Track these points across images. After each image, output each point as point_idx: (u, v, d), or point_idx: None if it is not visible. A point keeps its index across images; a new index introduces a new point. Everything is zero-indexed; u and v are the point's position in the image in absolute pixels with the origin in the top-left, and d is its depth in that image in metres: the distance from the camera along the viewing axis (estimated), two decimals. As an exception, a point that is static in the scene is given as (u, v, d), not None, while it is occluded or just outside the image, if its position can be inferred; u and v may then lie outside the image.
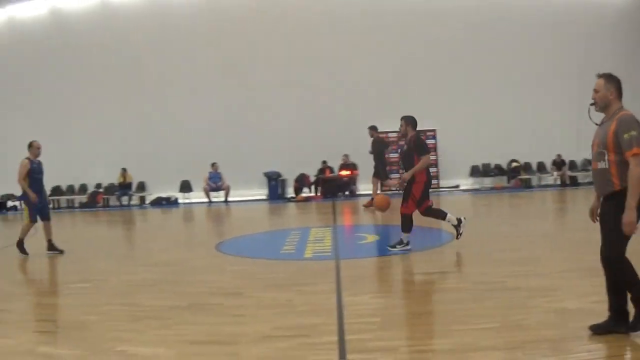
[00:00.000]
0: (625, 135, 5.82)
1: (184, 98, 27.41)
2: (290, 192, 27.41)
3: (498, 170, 27.73)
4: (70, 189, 29.24)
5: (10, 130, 27.62)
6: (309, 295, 8.60)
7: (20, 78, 28.80)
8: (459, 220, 12.09)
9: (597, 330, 6.18)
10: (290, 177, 27.34)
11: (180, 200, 27.96)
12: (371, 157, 21.23)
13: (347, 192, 26.58)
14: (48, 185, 28.21)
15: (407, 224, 11.95)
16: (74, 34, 28.29)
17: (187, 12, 27.83)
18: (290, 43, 27.07)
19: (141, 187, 28.80)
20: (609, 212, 6.05)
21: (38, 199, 14.23)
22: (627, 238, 5.94)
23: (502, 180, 27.70)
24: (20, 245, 14.14)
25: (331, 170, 26.95)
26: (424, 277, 9.45)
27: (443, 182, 27.35)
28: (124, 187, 28.05)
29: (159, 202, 27.81)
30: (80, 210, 27.73)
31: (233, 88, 27.12)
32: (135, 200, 28.68)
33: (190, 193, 28.04)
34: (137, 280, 10.64)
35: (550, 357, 5.80)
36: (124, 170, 27.83)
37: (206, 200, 26.86)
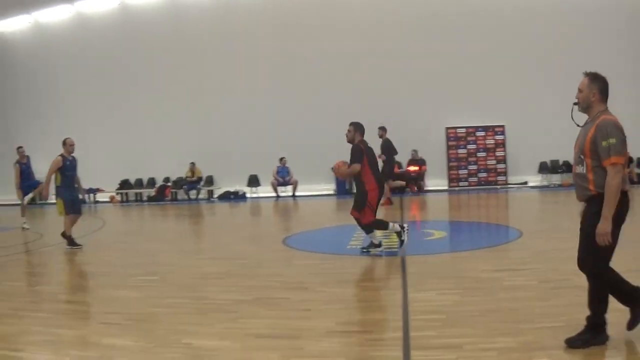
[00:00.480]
0: (604, 143, 5.57)
1: (252, 92, 27.49)
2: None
3: (566, 167, 27.20)
4: (139, 183, 29.62)
5: (81, 126, 28.10)
6: (374, 291, 8.55)
7: (90, 75, 29.31)
8: (402, 228, 11.85)
9: (574, 344, 5.86)
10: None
11: (248, 195, 28.11)
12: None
13: (415, 188, 26.40)
14: (117, 178, 28.96)
15: (374, 228, 11.80)
16: (142, 31, 28.69)
17: (251, 8, 27.91)
18: (357, 37, 26.91)
19: (209, 181, 29.02)
20: (589, 218, 5.78)
21: (71, 194, 14.64)
22: (609, 248, 5.69)
23: (571, 177, 27.10)
24: (68, 239, 14.44)
25: (399, 165, 26.78)
26: (490, 275, 9.30)
27: (511, 179, 26.95)
28: (192, 181, 28.29)
29: (226, 196, 28.01)
30: (149, 204, 28.06)
31: (301, 82, 27.12)
32: (203, 194, 28.90)
33: (258, 187, 28.16)
34: (204, 273, 10.71)
35: (616, 357, 5.68)
36: (193, 164, 28.06)
37: (274, 194, 26.94)
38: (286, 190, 27.15)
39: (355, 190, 12.25)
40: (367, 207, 11.55)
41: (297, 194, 26.91)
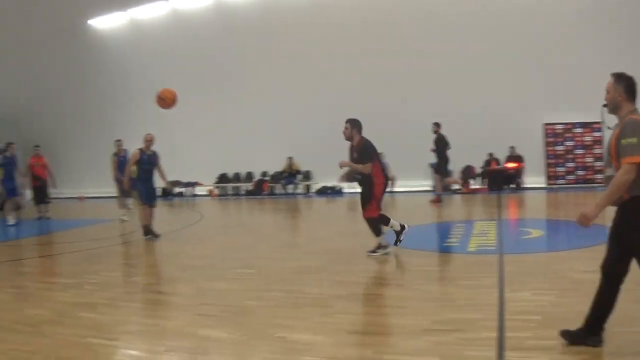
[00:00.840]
0: (623, 141, 5.37)
1: (348, 88, 27.45)
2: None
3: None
4: (237, 177, 29.97)
5: (178, 122, 28.61)
6: (470, 290, 8.44)
7: (185, 70, 29.79)
8: (402, 227, 11.74)
9: (569, 339, 5.90)
10: (455, 169, 26.96)
11: (344, 190, 28.14)
12: (430, 154, 21.32)
13: (513, 185, 26.03)
14: (215, 172, 29.33)
15: (377, 228, 11.70)
16: (237, 27, 28.97)
17: (349, 3, 27.83)
18: (462, 34, 26.61)
19: (307, 176, 29.20)
20: (621, 224, 5.64)
21: (145, 187, 15.43)
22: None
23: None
24: (145, 228, 15.21)
25: (497, 162, 26.44)
26: (587, 276, 9.06)
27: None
28: (289, 176, 28.50)
29: (324, 191, 28.12)
30: (246, 198, 28.38)
31: (398, 77, 26.92)
32: (300, 188, 29.10)
33: (355, 183, 28.04)
34: (300, 267, 10.77)
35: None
36: (290, 159, 28.28)
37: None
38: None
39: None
40: (373, 201, 11.55)
41: (394, 190, 26.76)
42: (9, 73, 34.62)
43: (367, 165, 11.60)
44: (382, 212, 11.78)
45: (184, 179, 30.26)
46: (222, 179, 30.07)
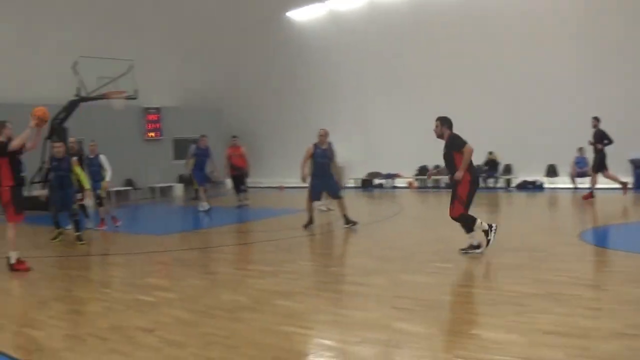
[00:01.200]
0: None
1: (550, 80, 26.82)
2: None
3: None
4: (435, 169, 29.97)
5: (378, 111, 29.03)
6: (670, 295, 8.22)
7: (383, 61, 30.06)
8: (490, 227, 11.48)
9: None
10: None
11: (545, 185, 27.62)
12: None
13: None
14: (415, 163, 29.45)
15: (468, 226, 11.60)
16: (433, 21, 28.89)
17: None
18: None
19: (507, 170, 28.85)
20: None
21: (317, 181, 16.07)
22: None
23: None
24: (344, 218, 15.98)
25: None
26: None
27: None
28: (490, 170, 28.26)
29: (524, 186, 27.69)
30: (446, 191, 28.30)
31: (607, 68, 25.99)
32: (501, 183, 28.78)
33: (556, 178, 27.59)
34: (498, 263, 10.73)
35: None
36: (490, 153, 28.03)
37: (571, 185, 26.24)
38: (584, 182, 26.29)
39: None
40: (456, 200, 11.54)
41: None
42: (213, 64, 36.31)
43: (466, 148, 11.65)
44: (468, 211, 11.83)
45: (384, 171, 30.61)
46: (422, 170, 30.18)
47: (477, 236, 11.65)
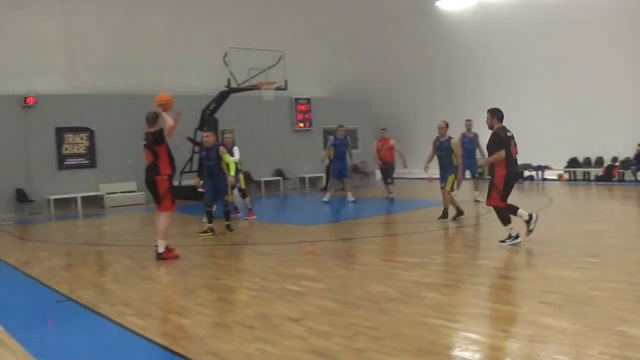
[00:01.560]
0: None
1: None
2: None
3: None
4: (587, 161, 29.22)
5: (529, 102, 28.52)
6: None
7: (533, 51, 29.46)
8: (530, 216, 12.03)
9: None
10: None
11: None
12: None
13: None
14: (566, 156, 28.78)
15: (503, 217, 12.12)
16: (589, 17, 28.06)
17: None
18: None
19: (659, 163, 27.84)
20: None
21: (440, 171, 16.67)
22: None
23: None
24: (443, 212, 16.48)
25: None
26: None
27: None
28: (639, 162, 27.27)
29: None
30: (596, 184, 27.59)
31: None
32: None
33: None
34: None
35: None
36: (640, 145, 27.12)
37: None
38: None
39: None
40: (493, 191, 11.80)
41: None
42: (363, 54, 36.52)
43: (499, 154, 11.87)
44: (507, 203, 12.14)
45: (534, 163, 30.06)
46: (572, 163, 29.48)
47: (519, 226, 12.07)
